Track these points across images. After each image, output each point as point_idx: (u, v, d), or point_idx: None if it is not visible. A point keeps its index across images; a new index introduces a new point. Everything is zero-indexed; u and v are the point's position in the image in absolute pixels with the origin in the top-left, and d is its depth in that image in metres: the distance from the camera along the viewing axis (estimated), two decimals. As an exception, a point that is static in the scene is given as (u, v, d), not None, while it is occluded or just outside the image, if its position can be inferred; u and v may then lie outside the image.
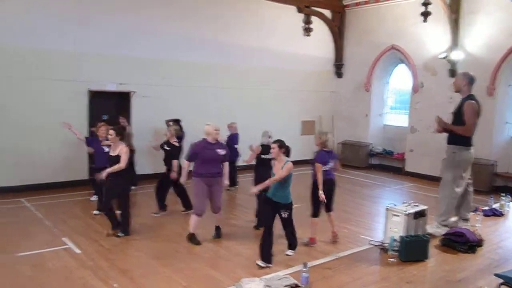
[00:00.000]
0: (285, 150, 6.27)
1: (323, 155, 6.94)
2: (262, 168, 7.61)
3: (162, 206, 8.39)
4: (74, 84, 9.97)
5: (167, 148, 8.27)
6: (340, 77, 15.55)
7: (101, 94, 10.39)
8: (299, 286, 5.23)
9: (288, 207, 6.24)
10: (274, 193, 6.15)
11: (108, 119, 10.62)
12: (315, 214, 6.97)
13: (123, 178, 6.86)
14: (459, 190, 7.38)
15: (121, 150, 6.77)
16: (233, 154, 9.38)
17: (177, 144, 8.36)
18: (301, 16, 14.19)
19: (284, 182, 6.13)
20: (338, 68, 15.45)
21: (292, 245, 6.48)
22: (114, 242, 6.69)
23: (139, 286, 5.23)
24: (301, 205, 7.53)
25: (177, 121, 9.85)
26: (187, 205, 8.30)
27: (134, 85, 10.83)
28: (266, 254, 5.98)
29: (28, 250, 6.20)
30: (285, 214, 6.21)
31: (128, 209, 7.08)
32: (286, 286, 5.15)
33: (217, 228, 7.15)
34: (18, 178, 9.33)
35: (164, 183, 8.38)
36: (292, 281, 5.31)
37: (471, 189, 7.71)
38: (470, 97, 7.22)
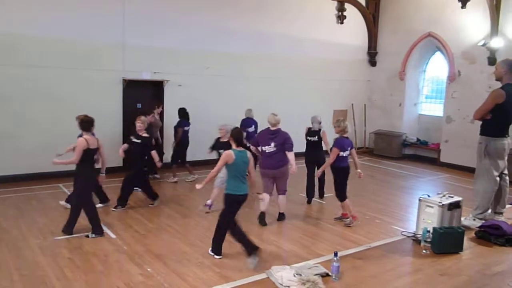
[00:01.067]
0: (234, 139, 5.80)
1: (343, 141, 7.17)
2: (309, 149, 8.53)
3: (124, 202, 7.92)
4: (109, 73, 10.20)
5: (137, 141, 7.88)
6: (374, 65, 15.30)
7: (135, 83, 10.58)
8: (330, 275, 5.23)
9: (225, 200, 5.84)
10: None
11: (141, 108, 10.87)
12: (343, 198, 7.25)
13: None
14: (492, 182, 7.18)
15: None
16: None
17: (147, 135, 7.99)
18: (334, 3, 14.00)
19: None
20: (372, 56, 15.19)
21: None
22: (148, 228, 6.87)
23: (172, 271, 5.35)
24: (332, 194, 7.53)
25: (183, 109, 10.04)
26: (154, 197, 8.16)
27: (168, 74, 10.99)
28: (217, 246, 5.83)
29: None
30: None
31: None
32: (316, 274, 5.16)
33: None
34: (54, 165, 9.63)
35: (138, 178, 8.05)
36: (323, 270, 5.32)
37: (506, 181, 7.48)
38: (508, 86, 6.98)
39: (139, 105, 10.89)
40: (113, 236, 6.46)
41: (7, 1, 8.89)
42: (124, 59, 10.35)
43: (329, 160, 7.17)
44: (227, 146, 6.42)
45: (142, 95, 10.99)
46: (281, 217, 7.48)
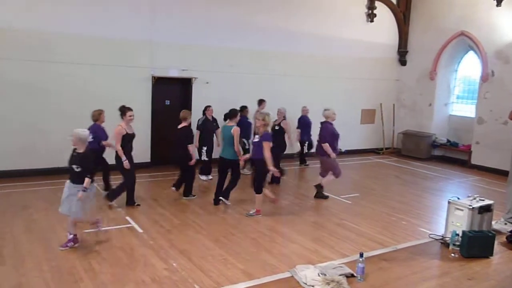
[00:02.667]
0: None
1: (270, 135, 7.59)
2: None
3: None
4: (139, 70, 10.35)
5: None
6: (404, 64, 15.04)
7: (164, 80, 10.70)
8: (355, 276, 5.18)
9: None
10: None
11: (170, 104, 11.00)
12: (261, 190, 7.48)
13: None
14: None
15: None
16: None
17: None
18: (364, 1, 13.82)
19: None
20: (402, 55, 14.93)
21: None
22: (174, 224, 6.94)
23: (197, 267, 5.39)
24: (358, 194, 7.45)
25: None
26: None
27: (196, 71, 11.06)
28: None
29: (96, 227, 6.56)
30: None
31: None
32: (341, 275, 5.12)
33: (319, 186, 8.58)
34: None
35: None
36: (347, 270, 5.27)
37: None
38: None
39: (167, 102, 11.02)
40: (139, 230, 6.56)
41: (44, 1, 9.12)
42: (153, 56, 10.48)
43: (268, 155, 7.24)
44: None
45: (171, 92, 11.12)
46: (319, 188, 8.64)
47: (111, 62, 10.00)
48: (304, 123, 11.58)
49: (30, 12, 9.02)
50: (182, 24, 10.69)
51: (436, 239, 6.64)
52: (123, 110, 7.45)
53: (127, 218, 7.04)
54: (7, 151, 9.08)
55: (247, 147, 10.13)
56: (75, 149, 5.87)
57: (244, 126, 10.00)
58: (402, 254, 6.10)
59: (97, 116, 8.17)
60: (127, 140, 7.35)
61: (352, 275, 5.19)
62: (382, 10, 14.07)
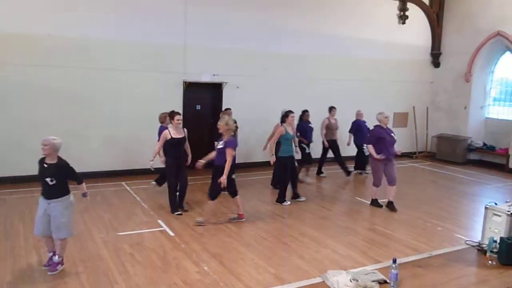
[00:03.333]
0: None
1: (235, 141, 7.49)
2: None
3: None
4: (171, 75, 10.52)
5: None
6: (437, 66, 14.73)
7: (195, 85, 10.83)
8: (388, 283, 5.08)
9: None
10: None
11: (201, 109, 11.12)
12: (215, 197, 7.14)
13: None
14: None
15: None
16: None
17: None
18: (396, 3, 13.63)
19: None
20: (435, 57, 14.63)
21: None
22: (206, 228, 6.99)
23: (228, 270, 5.42)
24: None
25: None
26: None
27: (227, 76, 11.14)
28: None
29: (129, 230, 6.71)
30: None
31: None
32: (374, 281, 5.04)
33: (390, 203, 8.24)
34: (121, 162, 10.08)
35: None
36: (380, 276, 5.18)
37: None
38: None
39: (198, 107, 11.15)
40: (171, 234, 6.64)
41: (81, 8, 9.41)
42: (185, 61, 10.63)
43: (229, 162, 6.90)
44: None
45: (202, 97, 11.24)
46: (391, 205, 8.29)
47: (145, 68, 10.20)
48: (357, 127, 11.21)
49: (68, 19, 9.30)
50: (214, 29, 10.81)
51: (473, 246, 6.44)
52: (172, 115, 7.64)
53: (159, 221, 7.15)
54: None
55: (307, 151, 10.12)
56: (43, 159, 5.12)
57: (305, 130, 10.09)
58: (437, 261, 5.95)
59: (163, 118, 8.52)
60: (170, 144, 7.45)
61: (385, 282, 5.10)
62: (414, 12, 13.85)
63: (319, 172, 11.16)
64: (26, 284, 4.86)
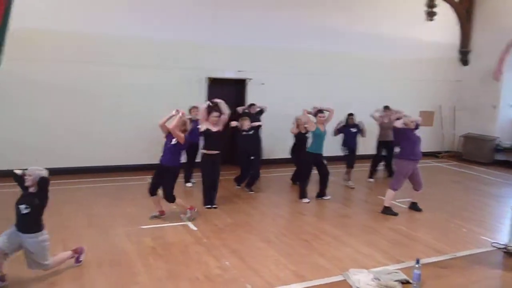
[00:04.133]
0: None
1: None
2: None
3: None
4: (195, 71, 10.61)
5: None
6: (466, 64, 14.42)
7: (219, 81, 10.88)
8: (410, 283, 5.02)
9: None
10: None
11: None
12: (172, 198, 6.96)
13: None
14: None
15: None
16: None
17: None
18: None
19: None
20: (464, 55, 14.33)
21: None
22: (227, 223, 7.03)
23: (249, 266, 5.44)
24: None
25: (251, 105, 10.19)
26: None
27: (251, 72, 11.17)
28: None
29: (152, 224, 6.80)
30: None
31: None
32: (396, 281, 4.98)
33: (414, 204, 8.10)
34: (146, 158, 10.20)
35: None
36: (403, 276, 5.12)
37: None
38: None
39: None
40: (194, 228, 6.70)
41: (103, 5, 9.56)
42: (210, 57, 10.70)
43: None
44: None
45: (225, 93, 11.24)
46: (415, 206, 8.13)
47: (168, 64, 10.32)
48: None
49: (89, 16, 9.48)
50: (238, 24, 10.86)
51: (499, 248, 6.30)
52: (208, 111, 7.74)
53: (181, 216, 7.22)
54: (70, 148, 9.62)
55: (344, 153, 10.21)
56: (26, 188, 4.66)
57: (346, 135, 10.00)
58: (461, 263, 5.84)
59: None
60: (205, 136, 7.60)
61: (408, 282, 5.04)
62: (442, 8, 13.54)
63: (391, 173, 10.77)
64: (51, 275, 4.97)
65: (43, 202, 4.68)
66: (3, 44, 5.56)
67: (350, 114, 10.14)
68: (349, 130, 9.99)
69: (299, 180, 8.84)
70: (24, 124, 9.18)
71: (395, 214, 7.75)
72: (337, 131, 9.94)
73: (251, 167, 8.92)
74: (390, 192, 7.83)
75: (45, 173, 4.65)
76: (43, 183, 4.61)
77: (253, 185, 9.07)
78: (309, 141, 8.64)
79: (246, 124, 8.71)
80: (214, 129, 7.56)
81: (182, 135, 6.72)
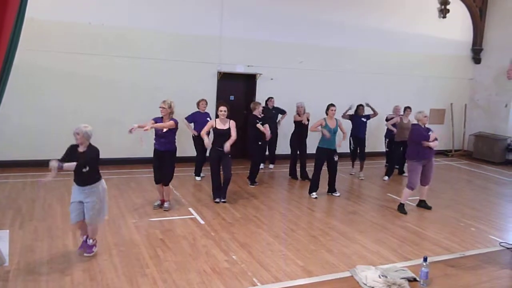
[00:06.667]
0: None
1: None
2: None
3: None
4: (206, 65, 10.62)
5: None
6: (478, 63, 14.29)
7: (229, 76, 10.89)
8: (417, 281, 5.01)
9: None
10: None
11: (234, 100, 11.18)
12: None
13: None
14: None
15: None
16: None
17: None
18: (437, -4, 13.29)
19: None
20: (476, 53, 14.19)
21: None
22: (235, 217, 7.06)
23: (256, 261, 5.46)
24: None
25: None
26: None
27: (261, 67, 11.17)
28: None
29: (161, 216, 6.85)
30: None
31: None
32: (403, 278, 4.98)
33: (422, 201, 8.15)
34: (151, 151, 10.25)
35: None
36: (410, 274, 5.11)
37: None
38: None
39: (231, 97, 11.21)
40: (202, 222, 6.74)
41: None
42: (221, 52, 10.71)
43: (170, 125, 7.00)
44: None
45: (235, 88, 11.30)
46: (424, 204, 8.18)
47: (180, 57, 10.35)
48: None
49: (107, 8, 9.54)
50: (249, 19, 10.85)
51: (508, 248, 6.27)
52: (217, 105, 7.92)
53: (190, 209, 7.26)
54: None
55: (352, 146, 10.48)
56: (74, 147, 5.16)
57: (357, 124, 10.21)
58: (470, 262, 5.82)
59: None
60: (215, 134, 7.67)
61: (415, 280, 5.04)
62: (455, 5, 13.46)
63: (401, 171, 10.81)
64: (62, 264, 5.04)
65: (94, 154, 5.15)
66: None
67: (360, 105, 10.26)
68: (359, 118, 10.18)
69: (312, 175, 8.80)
70: (49, 112, 9.32)
71: (405, 213, 7.73)
72: (346, 116, 10.22)
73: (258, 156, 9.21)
74: (406, 191, 7.85)
75: (90, 129, 5.11)
76: (91, 154, 5.10)
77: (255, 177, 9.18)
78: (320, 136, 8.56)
79: (258, 110, 9.08)
80: (224, 127, 7.56)
81: (171, 122, 6.91)
